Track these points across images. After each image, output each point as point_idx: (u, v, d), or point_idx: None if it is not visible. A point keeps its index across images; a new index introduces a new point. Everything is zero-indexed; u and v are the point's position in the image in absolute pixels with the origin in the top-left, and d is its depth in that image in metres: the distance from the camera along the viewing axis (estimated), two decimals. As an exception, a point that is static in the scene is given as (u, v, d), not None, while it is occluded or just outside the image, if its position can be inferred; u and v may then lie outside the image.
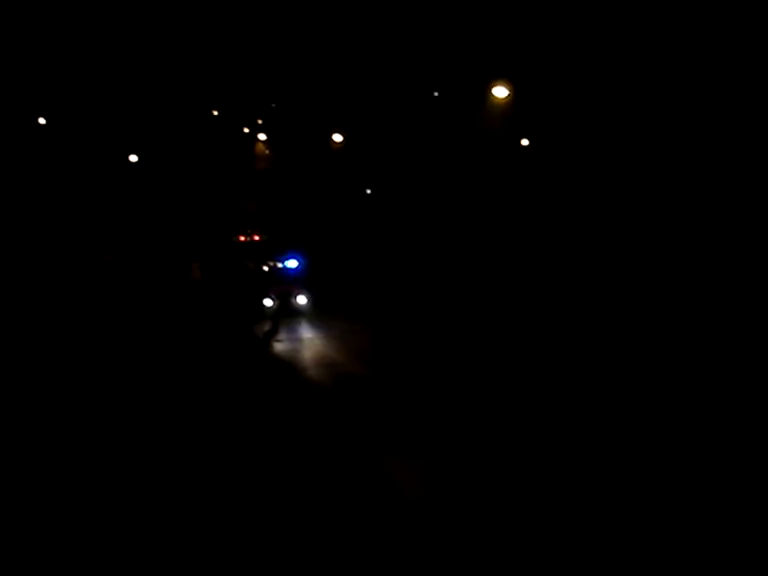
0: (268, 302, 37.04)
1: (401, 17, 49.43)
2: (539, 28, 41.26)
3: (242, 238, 46.79)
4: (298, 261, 40.44)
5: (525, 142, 40.68)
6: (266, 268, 40.84)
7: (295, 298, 37.80)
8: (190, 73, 53.13)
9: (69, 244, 44.69)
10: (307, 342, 31.69)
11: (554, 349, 27.48)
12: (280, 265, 40.74)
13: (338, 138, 49.79)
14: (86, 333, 30.73)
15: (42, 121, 53.87)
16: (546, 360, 26.04)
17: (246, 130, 63.28)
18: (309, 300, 37.88)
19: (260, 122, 62.73)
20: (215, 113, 57.12)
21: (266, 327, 33.42)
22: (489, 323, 31.47)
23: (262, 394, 23.85)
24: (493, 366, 25.94)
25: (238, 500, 16.09)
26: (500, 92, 38.08)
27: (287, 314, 36.22)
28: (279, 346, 30.82)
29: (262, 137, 62.18)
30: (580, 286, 33.59)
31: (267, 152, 61.02)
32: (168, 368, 26.87)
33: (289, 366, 27.22)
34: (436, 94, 48.45)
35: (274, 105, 59.59)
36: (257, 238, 47.25)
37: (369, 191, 49.45)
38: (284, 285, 38.56)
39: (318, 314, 36.90)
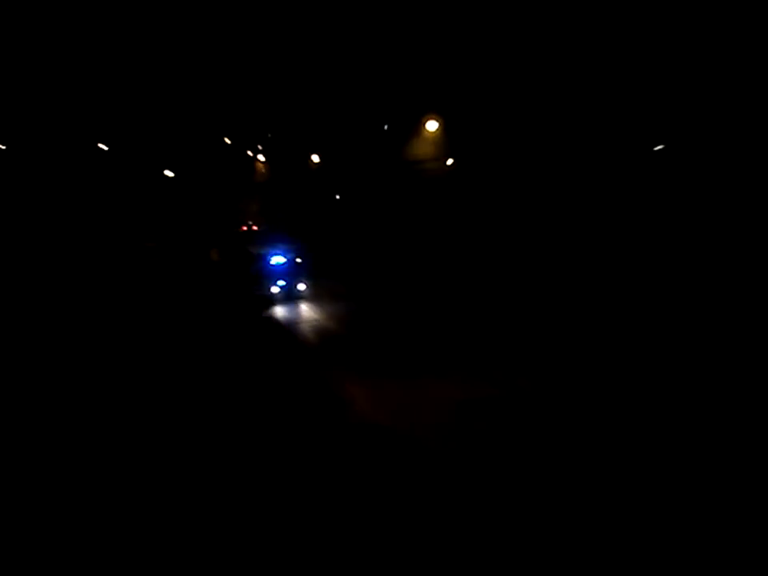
0: (275, 289, 42.71)
1: (362, 69, 62.88)
2: (462, 78, 50.19)
3: (244, 228, 61.10)
4: (295, 254, 45.88)
5: (450, 161, 54.70)
6: (274, 261, 44.70)
7: (296, 285, 43.29)
8: (214, 113, 67.70)
9: (121, 234, 55.56)
10: (304, 314, 36.02)
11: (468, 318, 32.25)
12: (282, 259, 45.12)
13: (315, 158, 64.70)
14: (138, 299, 38.10)
15: (104, 147, 66.90)
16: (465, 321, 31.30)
17: (250, 153, 79.13)
18: (307, 287, 43.00)
19: (260, 147, 78.26)
20: (228, 141, 72.76)
21: (273, 310, 37.80)
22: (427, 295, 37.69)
23: (265, 345, 29.07)
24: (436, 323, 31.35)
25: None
26: (431, 125, 53.12)
27: (290, 297, 41.83)
28: (281, 316, 35.54)
29: (261, 158, 77.98)
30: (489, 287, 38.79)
31: (264, 169, 76.24)
32: (197, 324, 32.79)
33: (288, 329, 31.66)
34: (386, 126, 61.63)
35: (269, 135, 74.66)
36: (255, 228, 61.12)
37: (338, 197, 64.48)
38: (286, 275, 43.69)
39: (315, 297, 41.37)
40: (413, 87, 55.88)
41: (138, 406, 23.69)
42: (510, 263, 39.59)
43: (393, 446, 20.64)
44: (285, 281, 44.10)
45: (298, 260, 45.70)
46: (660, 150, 37.45)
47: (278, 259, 45.54)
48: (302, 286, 43.08)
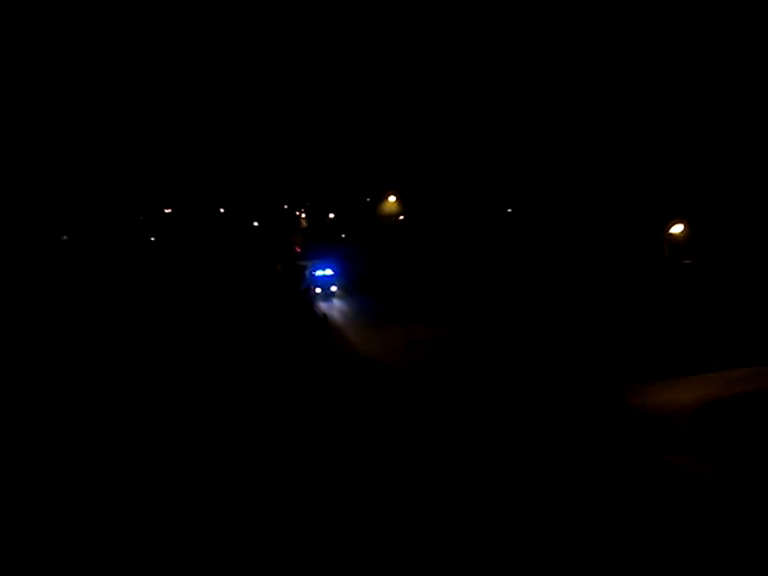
0: (318, 290, 70.84)
1: (356, 172, 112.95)
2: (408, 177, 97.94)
3: (296, 250, 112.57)
4: (333, 269, 72.65)
5: (401, 217, 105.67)
6: (317, 273, 72.62)
7: (330, 288, 71.54)
8: (279, 193, 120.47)
9: (226, 253, 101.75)
10: (336, 305, 64.74)
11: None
12: (321, 272, 72.44)
13: (331, 215, 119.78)
14: (241, 293, 68.53)
15: (170, 211, 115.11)
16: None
17: (297, 213, 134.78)
18: (339, 288, 71.49)
19: (303, 209, 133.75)
20: (285, 206, 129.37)
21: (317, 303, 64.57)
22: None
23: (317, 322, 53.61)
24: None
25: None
26: (391, 198, 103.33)
27: (327, 296, 69.59)
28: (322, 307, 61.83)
29: (303, 215, 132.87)
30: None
31: (304, 221, 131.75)
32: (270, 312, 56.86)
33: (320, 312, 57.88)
34: (368, 199, 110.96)
35: (308, 204, 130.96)
36: (298, 250, 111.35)
37: (343, 236, 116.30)
38: (324, 282, 71.55)
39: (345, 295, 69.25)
40: (382, 179, 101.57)
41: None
42: (440, 273, 68.93)
43: (365, 362, 38.44)
44: (324, 285, 71.07)
45: (331, 272, 73.15)
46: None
47: (319, 272, 72.96)
48: (334, 288, 71.34)
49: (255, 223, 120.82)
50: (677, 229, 39.95)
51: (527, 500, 21.45)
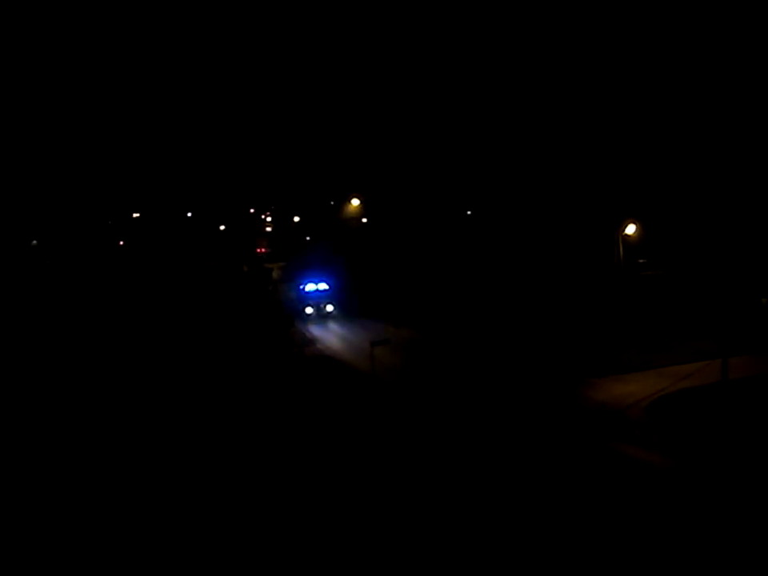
0: (309, 310, 58.45)
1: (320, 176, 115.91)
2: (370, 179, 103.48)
3: (260, 250, 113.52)
4: (327, 283, 60.55)
5: (364, 220, 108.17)
6: (308, 288, 60.75)
7: (325, 306, 58.96)
8: (246, 197, 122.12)
9: (196, 257, 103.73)
10: (332, 328, 53.53)
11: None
12: (315, 286, 60.52)
13: (296, 218, 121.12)
14: (208, 304, 61.75)
15: (138, 215, 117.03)
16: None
17: (262, 216, 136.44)
18: (335, 308, 58.75)
19: (268, 213, 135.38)
20: (251, 210, 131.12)
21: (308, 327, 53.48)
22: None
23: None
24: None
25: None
26: (355, 201, 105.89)
27: (320, 316, 57.79)
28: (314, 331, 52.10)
29: (268, 219, 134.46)
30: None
31: (270, 225, 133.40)
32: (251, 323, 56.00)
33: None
34: (332, 202, 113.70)
35: (273, 207, 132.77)
36: (263, 250, 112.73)
37: (308, 238, 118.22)
38: (317, 299, 59.40)
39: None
40: (345, 182, 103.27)
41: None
42: (404, 274, 70.53)
43: (331, 359, 41.35)
44: (316, 303, 58.82)
45: (326, 286, 60.60)
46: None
47: (310, 286, 60.85)
48: (330, 308, 58.61)
49: (222, 227, 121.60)
50: (630, 229, 41.49)
51: (485, 492, 22.48)
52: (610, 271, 44.60)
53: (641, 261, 48.73)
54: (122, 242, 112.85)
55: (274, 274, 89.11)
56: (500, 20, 79.23)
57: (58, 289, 71.89)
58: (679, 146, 53.57)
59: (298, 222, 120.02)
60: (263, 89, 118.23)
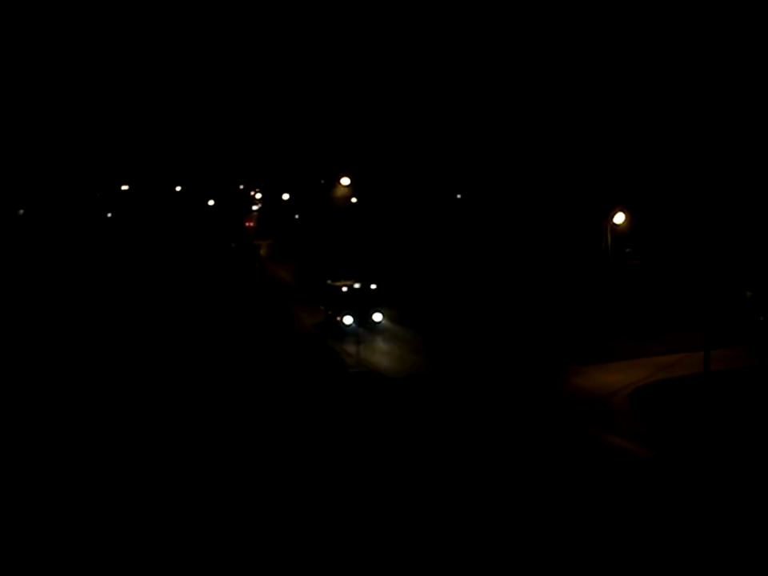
0: (348, 320, 41.80)
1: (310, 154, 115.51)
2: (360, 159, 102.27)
3: (249, 224, 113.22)
4: (373, 283, 44.95)
5: (354, 199, 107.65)
6: (344, 288, 44.31)
7: (371, 315, 42.76)
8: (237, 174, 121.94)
9: (184, 231, 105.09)
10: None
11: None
12: (357, 285, 44.32)
13: (286, 196, 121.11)
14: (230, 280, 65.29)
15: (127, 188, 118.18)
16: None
17: (252, 193, 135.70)
18: (384, 317, 44.01)
19: (258, 189, 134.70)
20: (241, 186, 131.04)
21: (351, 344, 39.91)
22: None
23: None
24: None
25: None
26: (345, 180, 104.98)
27: (367, 328, 42.27)
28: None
29: (258, 195, 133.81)
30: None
31: (259, 200, 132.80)
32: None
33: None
34: (322, 181, 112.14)
35: (263, 184, 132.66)
36: (252, 224, 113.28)
37: (297, 216, 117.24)
38: (358, 304, 42.70)
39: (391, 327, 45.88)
40: (336, 161, 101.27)
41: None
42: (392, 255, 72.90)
43: (316, 339, 41.93)
44: (357, 312, 41.95)
45: (372, 285, 44.80)
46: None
47: (345, 285, 44.58)
48: (378, 317, 42.77)
49: (211, 202, 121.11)
50: (619, 218, 41.47)
51: (467, 481, 22.51)
52: (598, 260, 44.64)
53: (628, 250, 48.86)
54: (109, 214, 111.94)
55: (262, 252, 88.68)
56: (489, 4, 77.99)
57: (43, 260, 71.12)
58: (669, 136, 53.66)
59: (287, 200, 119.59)
60: (254, 65, 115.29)
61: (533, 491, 21.37)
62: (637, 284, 46.42)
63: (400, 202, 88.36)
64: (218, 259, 79.26)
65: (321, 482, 21.56)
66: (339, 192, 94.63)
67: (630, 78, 58.50)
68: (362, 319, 41.86)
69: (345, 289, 44.11)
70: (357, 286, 44.39)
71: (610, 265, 42.73)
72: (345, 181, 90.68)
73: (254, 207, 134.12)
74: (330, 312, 44.82)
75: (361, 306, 42.96)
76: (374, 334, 42.98)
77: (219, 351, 39.78)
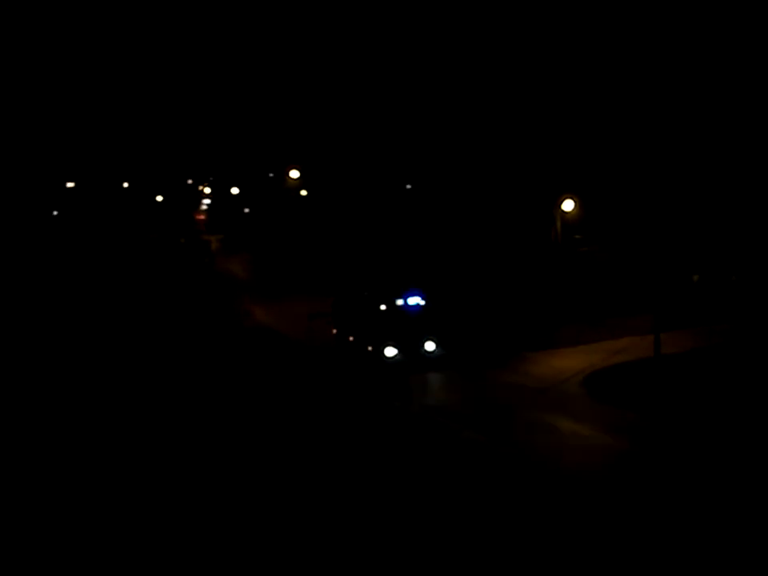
0: (390, 352, 29.20)
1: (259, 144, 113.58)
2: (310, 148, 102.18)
3: (200, 217, 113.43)
4: (420, 296, 31.38)
5: (303, 192, 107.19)
6: (383, 306, 31.22)
7: (422, 344, 30.00)
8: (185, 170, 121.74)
9: (132, 228, 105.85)
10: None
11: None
12: (415, 300, 31.51)
13: (235, 190, 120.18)
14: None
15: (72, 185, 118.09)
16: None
17: (200, 188, 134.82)
18: (439, 347, 30.73)
19: (206, 184, 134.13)
20: (189, 181, 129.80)
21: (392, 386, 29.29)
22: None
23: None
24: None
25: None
26: (294, 173, 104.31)
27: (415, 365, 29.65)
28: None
29: (207, 190, 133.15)
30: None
31: (208, 194, 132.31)
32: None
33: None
34: (271, 174, 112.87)
35: (211, 179, 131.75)
36: (201, 217, 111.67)
37: (246, 210, 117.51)
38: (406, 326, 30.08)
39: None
40: (285, 153, 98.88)
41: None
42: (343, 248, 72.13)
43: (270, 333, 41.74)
44: (405, 336, 30.11)
45: (419, 300, 31.53)
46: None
47: (411, 300, 31.56)
48: (431, 346, 30.11)
49: (159, 198, 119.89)
50: (568, 205, 41.94)
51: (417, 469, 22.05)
52: (548, 247, 45.08)
53: (577, 237, 49.40)
54: (55, 212, 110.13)
55: (213, 246, 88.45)
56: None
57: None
58: (616, 122, 54.11)
59: (236, 194, 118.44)
60: (199, 58, 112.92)
61: (486, 477, 21.18)
62: (587, 270, 47.00)
63: (350, 194, 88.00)
64: (167, 255, 78.64)
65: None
66: (289, 184, 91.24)
67: (577, 62, 58.57)
68: (409, 348, 31.07)
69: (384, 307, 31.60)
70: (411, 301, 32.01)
71: (559, 252, 43.19)
72: (294, 173, 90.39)
73: (205, 201, 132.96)
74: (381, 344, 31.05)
75: (411, 327, 31.27)
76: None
77: (161, 345, 39.63)
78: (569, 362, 34.63)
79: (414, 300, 31.53)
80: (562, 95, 58.97)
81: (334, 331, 36.24)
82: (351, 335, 32.84)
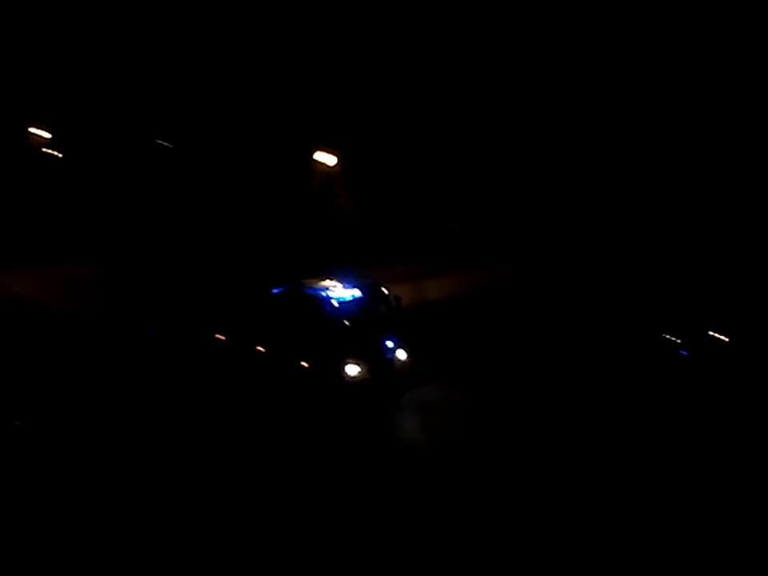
0: (352, 370, 20.04)
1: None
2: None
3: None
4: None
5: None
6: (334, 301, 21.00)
7: (393, 353, 21.00)
8: None
9: None
10: None
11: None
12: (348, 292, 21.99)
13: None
14: None
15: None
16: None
17: None
18: (409, 356, 21.27)
19: None
20: None
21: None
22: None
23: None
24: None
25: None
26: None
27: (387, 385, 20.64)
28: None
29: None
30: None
31: None
32: None
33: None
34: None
35: None
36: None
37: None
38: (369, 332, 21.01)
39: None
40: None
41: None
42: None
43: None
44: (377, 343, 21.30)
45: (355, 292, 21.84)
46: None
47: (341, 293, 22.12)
48: (402, 354, 21.28)
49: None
50: (323, 156, 40.76)
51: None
52: (306, 198, 43.98)
53: (336, 189, 48.56)
54: None
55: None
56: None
57: None
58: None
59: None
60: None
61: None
62: (347, 220, 46.38)
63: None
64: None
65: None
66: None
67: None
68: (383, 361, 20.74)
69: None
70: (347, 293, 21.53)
71: (317, 203, 42.08)
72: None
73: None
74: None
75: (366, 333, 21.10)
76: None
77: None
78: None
79: (349, 292, 21.54)
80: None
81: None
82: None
